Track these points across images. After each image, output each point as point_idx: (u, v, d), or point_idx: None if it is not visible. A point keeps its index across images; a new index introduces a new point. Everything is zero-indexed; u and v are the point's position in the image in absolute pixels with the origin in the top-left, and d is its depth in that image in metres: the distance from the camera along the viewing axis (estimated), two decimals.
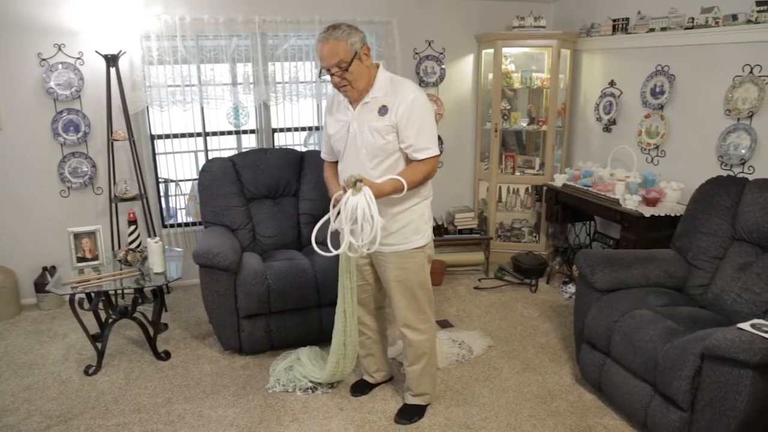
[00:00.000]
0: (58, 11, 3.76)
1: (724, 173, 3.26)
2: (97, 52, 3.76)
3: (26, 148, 3.92)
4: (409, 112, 2.30)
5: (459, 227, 4.69)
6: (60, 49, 3.83)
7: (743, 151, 3.22)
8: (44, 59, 3.81)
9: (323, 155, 2.72)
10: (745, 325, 2.17)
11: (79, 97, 3.93)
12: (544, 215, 4.60)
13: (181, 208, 4.65)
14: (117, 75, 3.81)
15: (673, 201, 3.53)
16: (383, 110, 2.33)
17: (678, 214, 3.38)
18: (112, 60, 3.77)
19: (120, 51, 3.80)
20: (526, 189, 4.86)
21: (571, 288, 4.10)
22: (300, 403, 2.87)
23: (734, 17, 3.17)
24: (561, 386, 3.01)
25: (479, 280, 4.54)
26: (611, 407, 2.80)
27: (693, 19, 3.43)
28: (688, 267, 3.00)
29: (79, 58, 3.87)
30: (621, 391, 2.64)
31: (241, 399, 2.92)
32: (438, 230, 4.65)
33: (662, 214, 3.42)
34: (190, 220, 4.50)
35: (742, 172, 3.25)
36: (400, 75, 4.53)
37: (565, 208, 4.26)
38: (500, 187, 4.88)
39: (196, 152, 4.53)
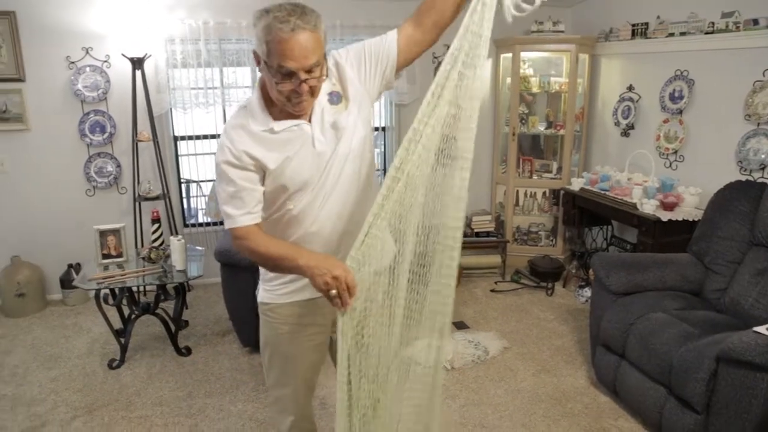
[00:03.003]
0: (86, 16, 3.88)
1: (744, 178, 3.25)
2: (123, 55, 3.86)
3: (54, 148, 4.04)
4: (347, 54, 1.67)
5: (476, 230, 4.72)
6: (88, 52, 3.94)
7: (763, 156, 3.21)
8: (72, 62, 3.93)
9: (245, 218, 1.58)
10: (762, 329, 2.18)
11: (106, 98, 4.04)
12: (561, 219, 4.61)
13: (201, 209, 4.74)
14: (142, 77, 3.91)
15: (691, 206, 3.52)
16: (334, 97, 1.63)
17: (696, 219, 3.37)
18: (137, 63, 3.87)
19: (145, 54, 3.90)
20: (544, 193, 4.87)
21: (588, 292, 4.10)
22: (317, 400, 2.92)
23: (755, 22, 3.17)
24: (576, 388, 3.03)
25: (496, 282, 4.56)
26: (626, 409, 2.81)
27: (713, 23, 3.43)
28: (706, 271, 3.00)
29: (105, 61, 3.99)
30: (636, 393, 2.65)
31: (261, 395, 2.98)
32: None
33: (680, 219, 3.41)
34: (210, 220, 4.59)
35: (762, 177, 3.23)
36: (419, 80, 4.62)
37: (582, 212, 4.27)
38: (517, 191, 4.90)
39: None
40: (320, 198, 1.61)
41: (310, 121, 1.59)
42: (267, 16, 1.44)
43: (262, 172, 1.59)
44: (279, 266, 1.58)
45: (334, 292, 1.40)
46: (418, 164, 1.46)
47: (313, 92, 1.53)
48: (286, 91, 1.49)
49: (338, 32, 4.23)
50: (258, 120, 1.58)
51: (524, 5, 1.50)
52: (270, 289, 1.76)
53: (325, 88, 1.61)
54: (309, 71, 1.47)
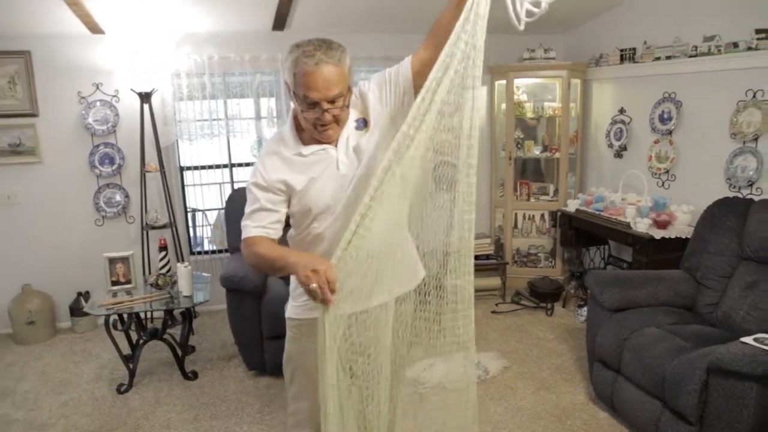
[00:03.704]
0: (96, 53, 4.07)
1: (733, 195, 3.33)
2: (132, 89, 4.03)
3: (65, 179, 4.19)
4: (369, 83, 1.80)
5: (475, 253, 4.78)
6: (98, 87, 4.12)
7: (751, 173, 3.30)
8: (83, 97, 4.10)
9: (258, 230, 1.72)
10: (748, 339, 2.25)
11: (115, 131, 4.21)
12: (559, 240, 4.69)
13: (206, 237, 4.85)
14: (150, 111, 4.07)
15: (683, 223, 3.60)
16: (360, 123, 1.77)
17: (688, 237, 3.45)
18: (145, 97, 4.03)
19: (153, 88, 4.06)
20: (542, 215, 4.96)
21: (587, 311, 4.16)
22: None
23: (735, 45, 3.30)
24: (575, 405, 3.08)
25: (496, 304, 4.62)
26: (624, 424, 2.85)
27: (696, 47, 3.56)
28: (698, 286, 3.07)
29: (115, 96, 4.16)
30: (632, 407, 2.70)
31: (266, 416, 3.04)
32: None
33: (673, 236, 3.49)
34: (214, 247, 4.69)
35: (751, 193, 3.32)
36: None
37: (579, 232, 4.35)
38: (516, 214, 4.99)
39: (221, 184, 4.73)
40: (342, 218, 1.70)
41: (337, 146, 1.72)
42: (297, 50, 1.60)
43: (290, 195, 1.73)
44: (276, 267, 1.67)
45: (314, 285, 1.45)
46: (410, 166, 1.52)
47: (338, 121, 1.67)
48: (311, 118, 1.64)
49: (358, 63, 4.40)
50: (289, 146, 1.74)
51: (533, 9, 1.54)
52: (297, 305, 1.85)
53: (353, 115, 1.75)
54: (332, 101, 1.61)
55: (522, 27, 1.55)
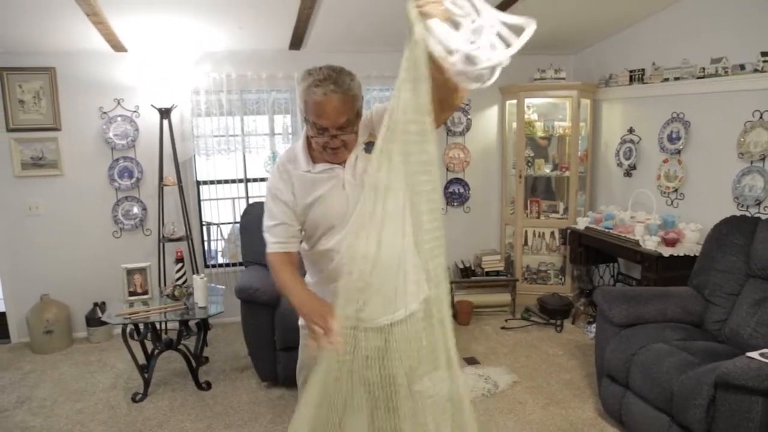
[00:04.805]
0: (118, 70, 4.21)
1: (741, 214, 3.37)
2: (152, 105, 4.15)
3: (85, 192, 4.30)
4: (381, 107, 1.79)
5: (486, 269, 4.85)
6: (119, 103, 4.25)
7: (758, 192, 3.34)
8: (105, 112, 4.23)
9: (276, 246, 1.84)
10: (754, 354, 2.28)
11: (134, 146, 4.33)
12: (569, 257, 4.73)
13: (220, 251, 4.93)
14: (169, 126, 4.19)
15: (692, 241, 3.64)
16: (369, 147, 1.79)
17: (697, 254, 3.48)
18: (165, 113, 4.16)
19: (172, 105, 4.19)
20: (552, 232, 5.01)
21: (596, 327, 4.18)
22: None
23: (742, 67, 3.37)
24: (584, 420, 3.10)
25: (506, 320, 4.65)
26: None
27: (704, 69, 3.63)
28: (706, 303, 3.10)
29: (135, 111, 4.29)
30: (640, 422, 2.73)
31: (278, 426, 3.09)
32: (466, 272, 4.83)
33: (681, 254, 3.53)
34: (228, 261, 4.77)
35: (759, 212, 3.36)
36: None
37: (589, 250, 4.39)
38: (526, 231, 5.04)
39: (235, 199, 4.82)
40: (348, 237, 1.72)
41: (345, 166, 1.80)
42: (308, 78, 1.69)
43: (298, 211, 1.82)
44: (283, 294, 1.83)
45: (317, 328, 1.55)
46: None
47: (346, 145, 1.75)
48: (321, 142, 1.73)
49: (371, 82, 4.53)
50: (300, 163, 1.83)
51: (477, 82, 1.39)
52: None
53: (363, 139, 1.81)
54: (340, 128, 1.69)
55: (488, 84, 1.40)
